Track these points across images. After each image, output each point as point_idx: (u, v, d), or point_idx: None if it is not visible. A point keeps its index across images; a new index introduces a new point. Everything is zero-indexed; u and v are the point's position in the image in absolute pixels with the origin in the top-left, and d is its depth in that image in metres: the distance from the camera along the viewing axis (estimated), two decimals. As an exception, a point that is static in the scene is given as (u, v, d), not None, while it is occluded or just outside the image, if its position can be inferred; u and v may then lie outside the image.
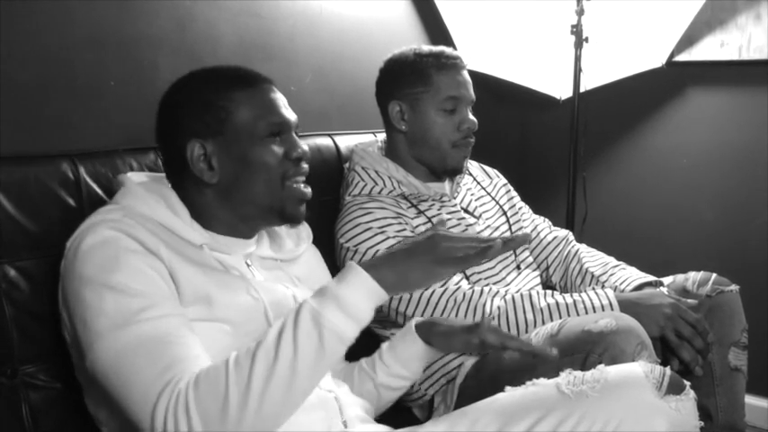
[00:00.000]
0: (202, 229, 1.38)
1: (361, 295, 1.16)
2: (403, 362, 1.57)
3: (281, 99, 1.43)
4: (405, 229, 1.81)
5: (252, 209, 1.40)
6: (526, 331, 1.70)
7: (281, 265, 1.52)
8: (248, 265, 1.43)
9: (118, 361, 1.14)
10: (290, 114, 1.43)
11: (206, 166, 1.36)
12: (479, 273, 1.89)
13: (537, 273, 2.10)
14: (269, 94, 1.41)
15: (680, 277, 1.91)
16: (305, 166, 1.42)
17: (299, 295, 1.43)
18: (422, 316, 1.76)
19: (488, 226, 2.01)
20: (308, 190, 1.43)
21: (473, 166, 2.19)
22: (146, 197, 1.34)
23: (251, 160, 1.36)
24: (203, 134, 1.36)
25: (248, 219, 1.42)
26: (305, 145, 1.42)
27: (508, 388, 1.32)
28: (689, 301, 1.76)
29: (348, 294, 1.15)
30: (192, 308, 1.25)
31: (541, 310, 1.72)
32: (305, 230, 1.62)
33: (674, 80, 2.73)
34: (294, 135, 1.43)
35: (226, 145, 1.36)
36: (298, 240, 1.59)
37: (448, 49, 1.94)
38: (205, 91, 1.38)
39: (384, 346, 1.61)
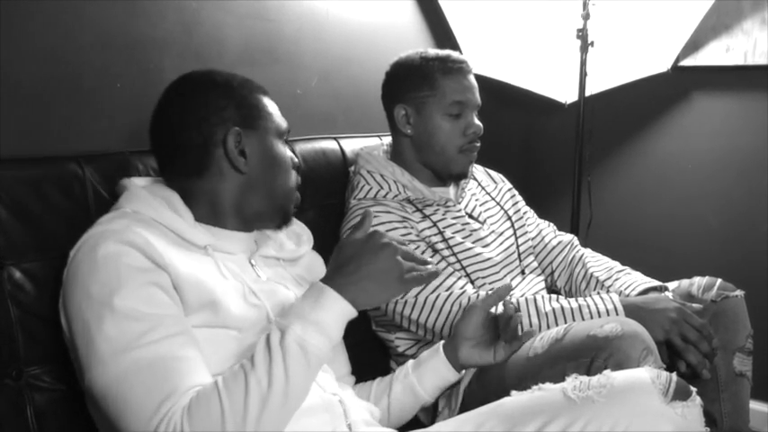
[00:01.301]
0: (205, 230, 1.39)
1: (339, 319, 1.22)
2: (419, 373, 1.60)
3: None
4: (410, 233, 1.81)
5: (267, 204, 1.47)
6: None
7: (284, 264, 1.55)
8: (252, 265, 1.44)
9: (116, 386, 1.15)
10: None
11: (241, 155, 1.42)
12: (484, 278, 1.89)
13: (542, 278, 2.10)
14: (274, 104, 1.53)
15: (685, 282, 1.91)
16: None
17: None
18: (427, 319, 1.77)
19: (493, 231, 2.01)
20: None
21: (478, 170, 2.19)
22: (149, 200, 1.35)
23: (278, 160, 1.48)
24: (241, 125, 1.43)
25: (256, 216, 1.47)
26: None
27: (513, 392, 1.31)
28: (694, 305, 1.75)
29: (328, 319, 1.20)
30: (197, 315, 1.26)
31: (546, 314, 1.72)
32: (305, 234, 1.64)
33: (679, 85, 2.73)
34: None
35: (259, 139, 1.45)
36: (298, 242, 1.62)
37: (454, 53, 1.94)
38: (240, 88, 1.47)
39: (410, 365, 1.63)
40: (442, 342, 1.62)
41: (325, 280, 1.24)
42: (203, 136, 1.41)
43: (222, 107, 1.42)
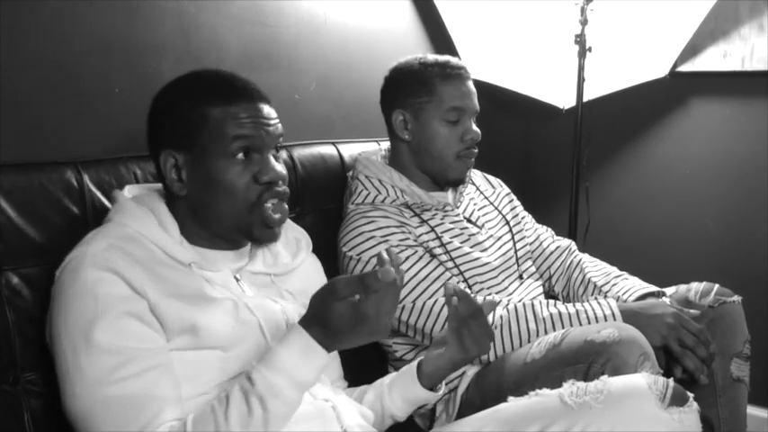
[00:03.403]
0: (190, 246, 1.37)
1: (318, 373, 1.21)
2: (391, 383, 1.56)
3: (262, 115, 1.37)
4: (408, 238, 1.81)
5: (219, 227, 1.37)
6: (529, 341, 1.70)
7: (274, 279, 1.50)
8: (237, 280, 1.41)
9: (89, 419, 1.18)
10: (268, 132, 1.36)
11: (176, 178, 1.35)
12: (481, 282, 1.89)
13: (539, 283, 2.10)
14: (248, 111, 1.35)
15: (682, 287, 1.91)
16: (279, 189, 1.37)
17: (288, 309, 1.43)
18: (424, 324, 1.77)
19: (491, 236, 2.01)
20: (278, 216, 1.37)
21: (476, 175, 2.19)
22: (136, 213, 1.34)
23: (217, 180, 1.33)
24: (176, 145, 1.35)
25: (220, 235, 1.39)
26: (279, 166, 1.37)
27: (511, 398, 1.32)
28: (691, 311, 1.75)
29: (311, 376, 1.20)
30: (177, 339, 1.25)
31: (544, 319, 1.72)
32: (304, 240, 1.61)
33: (677, 90, 2.73)
34: (269, 156, 1.37)
35: (195, 159, 1.34)
36: (296, 251, 1.57)
37: (453, 59, 1.94)
38: (183, 102, 1.36)
39: (387, 381, 1.59)
40: (421, 359, 1.57)
41: (322, 341, 1.19)
42: (151, 157, 1.40)
43: (160, 125, 1.37)
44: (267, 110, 1.38)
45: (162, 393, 1.20)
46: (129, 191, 1.43)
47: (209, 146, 1.33)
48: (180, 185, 1.35)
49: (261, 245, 1.45)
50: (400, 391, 1.55)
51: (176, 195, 1.36)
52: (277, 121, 1.40)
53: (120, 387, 1.17)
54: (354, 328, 1.16)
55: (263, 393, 1.16)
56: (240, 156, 1.34)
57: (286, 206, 1.40)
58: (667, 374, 1.36)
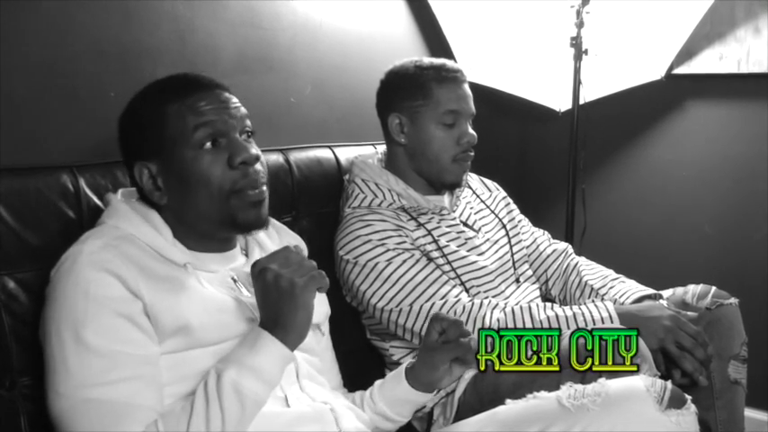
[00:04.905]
0: (185, 249, 1.36)
1: (276, 363, 1.23)
2: (387, 401, 1.55)
3: (220, 100, 1.35)
4: (405, 242, 1.81)
5: (206, 225, 1.36)
6: (526, 344, 1.70)
7: None
8: (235, 281, 1.41)
9: (67, 419, 1.18)
10: (230, 115, 1.35)
11: (154, 188, 1.34)
12: (478, 286, 1.89)
13: (536, 286, 2.10)
14: (203, 100, 1.33)
15: (679, 290, 1.91)
16: (253, 171, 1.34)
17: None
18: (421, 328, 1.76)
19: (488, 239, 2.01)
20: (258, 191, 1.35)
21: (473, 178, 2.19)
22: (129, 216, 1.33)
23: (190, 174, 1.31)
24: (146, 154, 1.34)
25: (209, 234, 1.39)
26: (253, 148, 1.35)
27: (509, 401, 1.32)
28: (688, 313, 1.76)
29: (265, 364, 1.21)
30: (170, 340, 1.25)
31: (541, 322, 1.72)
32: (300, 245, 1.59)
33: (673, 93, 2.73)
34: (238, 139, 1.35)
35: (166, 162, 1.33)
36: None
37: (449, 62, 1.94)
38: (141, 110, 1.36)
39: (377, 382, 1.60)
40: (404, 368, 1.57)
41: (262, 325, 1.24)
42: (130, 172, 1.38)
43: (127, 139, 1.37)
44: (225, 95, 1.37)
45: (144, 403, 1.19)
46: (122, 194, 1.42)
47: (174, 143, 1.32)
48: (159, 194, 1.34)
49: (250, 231, 1.42)
50: (407, 406, 1.56)
51: (159, 205, 1.36)
52: (238, 103, 1.38)
53: (103, 391, 1.16)
54: (274, 301, 1.23)
55: (215, 378, 1.19)
56: (208, 145, 1.32)
57: (266, 188, 1.38)
58: (666, 378, 1.36)
